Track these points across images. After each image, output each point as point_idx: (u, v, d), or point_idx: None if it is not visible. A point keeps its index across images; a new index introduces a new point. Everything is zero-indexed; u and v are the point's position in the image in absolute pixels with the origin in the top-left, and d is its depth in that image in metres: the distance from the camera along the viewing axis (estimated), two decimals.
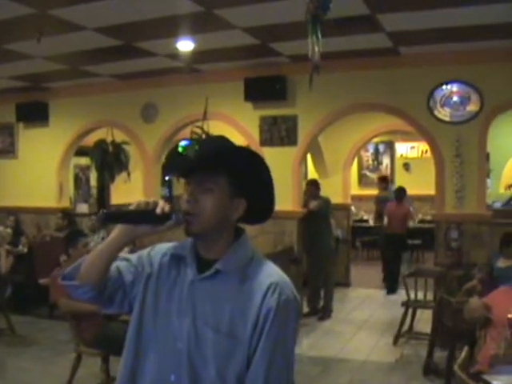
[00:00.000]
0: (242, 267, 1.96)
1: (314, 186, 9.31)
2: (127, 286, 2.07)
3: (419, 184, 16.70)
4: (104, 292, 2.03)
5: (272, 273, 1.98)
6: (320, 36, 5.09)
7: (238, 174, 1.98)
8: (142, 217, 1.91)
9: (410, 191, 16.87)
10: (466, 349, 4.24)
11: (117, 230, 1.97)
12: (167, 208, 1.88)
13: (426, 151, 16.92)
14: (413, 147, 17.57)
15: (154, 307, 2.03)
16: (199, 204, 1.94)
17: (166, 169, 2.13)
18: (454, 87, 8.58)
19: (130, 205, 1.95)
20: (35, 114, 11.40)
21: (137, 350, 2.04)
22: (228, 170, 1.96)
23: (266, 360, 1.87)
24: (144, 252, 2.16)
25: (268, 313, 1.88)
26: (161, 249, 2.15)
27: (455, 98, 8.54)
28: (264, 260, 2.05)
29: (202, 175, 1.95)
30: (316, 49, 5.12)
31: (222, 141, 2.16)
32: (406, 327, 7.75)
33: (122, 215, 1.94)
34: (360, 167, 17.93)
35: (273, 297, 1.89)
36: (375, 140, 15.27)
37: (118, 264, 2.07)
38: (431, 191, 14.72)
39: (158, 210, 1.88)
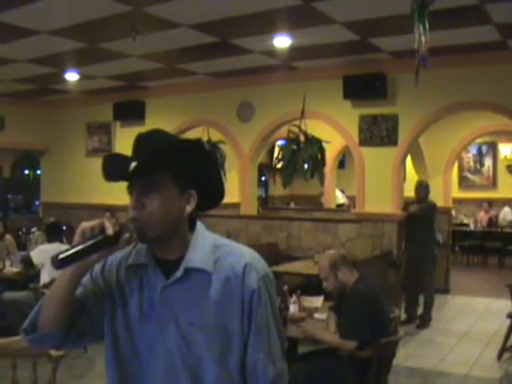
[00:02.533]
0: (210, 258, 1.88)
1: (422, 187, 8.95)
2: (92, 315, 1.92)
3: None
4: (71, 331, 1.86)
5: (241, 253, 1.92)
6: (427, 25, 4.76)
7: (183, 167, 1.86)
8: (97, 245, 1.74)
9: None
10: None
11: (62, 276, 1.80)
12: (116, 225, 1.76)
13: None
14: None
15: (127, 331, 1.91)
16: (147, 208, 1.81)
17: (104, 174, 1.90)
18: None
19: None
20: (132, 112, 11.52)
21: (122, 380, 1.92)
22: (170, 165, 1.84)
23: (261, 342, 1.87)
24: (96, 271, 1.98)
25: (252, 295, 1.85)
26: (113, 262, 1.98)
27: None
28: (227, 242, 1.97)
29: (144, 177, 1.83)
30: (423, 39, 4.79)
31: (157, 135, 1.95)
32: (511, 341, 7.28)
33: (75, 253, 1.72)
34: (461, 169, 17.35)
35: (251, 277, 1.86)
36: (477, 141, 14.71)
37: (76, 293, 1.88)
38: None
39: (110, 232, 1.73)
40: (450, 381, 6.51)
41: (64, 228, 10.73)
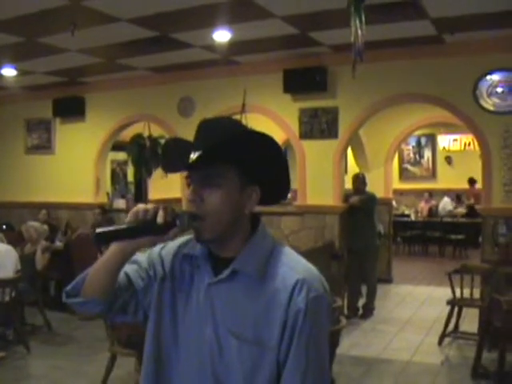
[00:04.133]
0: (262, 264, 1.73)
1: (360, 179, 9.05)
2: (140, 294, 1.86)
3: (462, 178, 16.49)
4: (114, 303, 1.80)
5: (296, 266, 1.74)
6: (363, 19, 4.83)
7: (247, 161, 1.72)
8: (142, 230, 1.66)
9: (452, 185, 16.73)
10: None
11: (112, 248, 1.72)
12: (169, 216, 1.65)
13: (469, 144, 16.67)
14: (455, 140, 17.31)
15: (171, 316, 1.82)
16: (206, 203, 1.70)
17: (164, 165, 1.84)
18: (501, 76, 8.22)
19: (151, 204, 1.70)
20: (72, 109, 11.35)
21: (157, 364, 1.83)
22: (234, 159, 1.71)
23: (300, 366, 1.66)
24: (154, 252, 1.91)
25: (297, 315, 1.66)
26: (172, 247, 1.90)
27: (500, 88, 8.19)
28: (285, 249, 1.80)
29: (206, 169, 1.70)
30: (359, 33, 4.85)
31: (223, 124, 1.81)
32: (451, 326, 7.45)
33: (117, 233, 1.68)
34: (401, 161, 17.69)
35: (300, 296, 1.67)
36: (417, 133, 14.98)
37: (127, 269, 1.84)
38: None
39: (159, 220, 1.65)
40: (393, 367, 6.63)
41: (4, 227, 10.57)
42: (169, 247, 1.90)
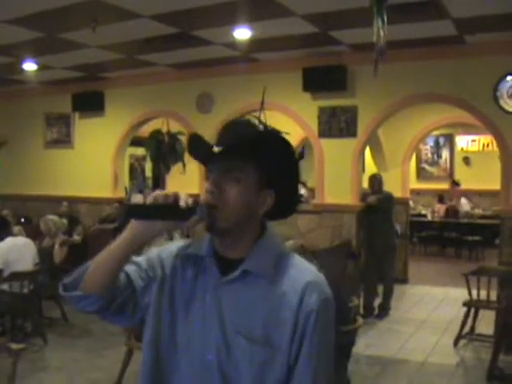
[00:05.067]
0: (272, 266, 1.74)
1: (377, 180, 9.03)
2: (139, 295, 1.83)
3: (480, 178, 16.42)
4: (113, 302, 1.76)
5: (306, 270, 1.77)
6: (386, 19, 4.82)
7: (268, 162, 1.75)
8: (166, 212, 1.66)
9: (470, 186, 16.65)
10: None
11: (132, 228, 1.70)
12: (191, 201, 1.66)
13: (488, 145, 16.57)
14: (474, 140, 17.20)
15: (171, 318, 1.81)
16: (224, 195, 1.72)
17: (190, 152, 1.85)
18: None
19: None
20: (91, 103, 11.42)
21: (157, 370, 1.81)
22: (257, 157, 1.74)
23: (311, 367, 1.68)
24: (153, 253, 1.91)
25: (308, 316, 1.68)
26: (172, 249, 1.91)
27: None
28: (292, 255, 1.82)
29: (227, 163, 1.73)
30: (381, 33, 4.85)
31: (248, 125, 1.86)
32: (467, 328, 7.43)
33: (146, 210, 1.67)
34: (418, 161, 17.60)
35: (312, 298, 1.68)
36: (435, 133, 14.92)
37: (127, 269, 1.81)
38: (492, 186, 14.50)
39: (183, 203, 1.65)
40: (408, 368, 6.63)
41: (22, 220, 10.66)
42: (168, 249, 1.91)
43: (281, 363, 1.68)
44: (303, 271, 1.76)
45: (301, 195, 2.10)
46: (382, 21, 4.85)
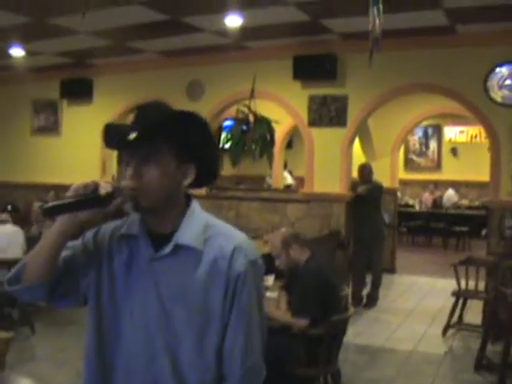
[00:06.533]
0: (200, 236, 1.84)
1: (366, 169, 9.03)
2: (78, 278, 1.92)
3: (467, 169, 16.52)
4: (56, 289, 1.86)
5: (232, 235, 1.89)
6: (381, 8, 4.81)
7: (182, 139, 1.84)
8: (85, 202, 1.74)
9: (457, 176, 16.74)
10: None
11: (58, 223, 1.78)
12: (110, 187, 1.74)
13: (476, 136, 16.62)
14: (462, 131, 17.24)
15: (111, 296, 1.89)
16: (144, 178, 1.79)
17: (105, 142, 1.89)
18: (510, 69, 8.20)
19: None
20: (79, 90, 11.34)
21: (101, 351, 1.91)
22: (170, 136, 1.82)
23: (241, 326, 1.82)
24: (87, 237, 1.99)
25: (237, 278, 1.81)
26: (106, 230, 1.98)
27: (509, 81, 8.18)
28: (219, 223, 1.94)
29: (143, 147, 1.79)
30: (377, 22, 4.83)
31: (158, 106, 1.91)
32: (455, 317, 7.46)
33: (63, 206, 1.74)
34: (406, 151, 17.62)
35: (239, 261, 1.82)
36: (424, 123, 14.96)
37: (64, 255, 1.88)
38: (479, 177, 14.60)
39: (102, 191, 1.73)
40: (396, 357, 6.65)
41: (9, 208, 10.56)
42: (102, 231, 1.98)
43: (216, 327, 1.81)
44: (230, 238, 1.87)
45: (218, 163, 2.13)
46: (378, 10, 4.83)
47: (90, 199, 1.73)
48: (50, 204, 1.72)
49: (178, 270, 1.83)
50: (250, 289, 1.83)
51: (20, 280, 1.83)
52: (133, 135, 1.78)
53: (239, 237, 1.89)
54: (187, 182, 1.88)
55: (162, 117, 1.84)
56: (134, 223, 1.92)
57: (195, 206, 1.93)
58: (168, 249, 1.83)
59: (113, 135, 1.89)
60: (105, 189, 1.73)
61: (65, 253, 1.88)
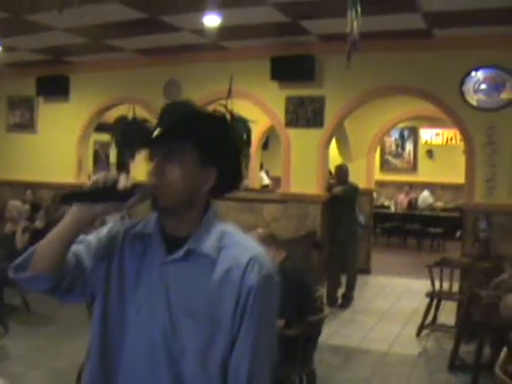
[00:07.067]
0: (215, 244, 1.78)
1: (342, 170, 9.06)
2: (87, 274, 1.85)
3: (443, 172, 16.63)
4: (62, 282, 1.79)
5: (248, 246, 1.81)
6: (359, 10, 4.83)
7: (206, 141, 1.80)
8: (102, 195, 1.70)
9: (433, 179, 16.86)
10: (505, 349, 3.99)
11: (72, 211, 1.74)
12: (129, 183, 1.70)
13: (451, 138, 16.76)
14: (438, 134, 17.37)
15: (119, 295, 1.84)
16: (166, 176, 1.76)
17: (127, 141, 1.87)
18: (487, 73, 8.29)
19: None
20: (56, 88, 11.25)
21: (105, 349, 1.84)
22: (195, 137, 1.78)
23: (249, 342, 1.73)
24: (102, 232, 1.94)
25: (249, 292, 1.72)
26: (120, 228, 1.94)
27: (484, 86, 8.27)
28: (237, 232, 1.87)
29: (167, 145, 1.78)
30: (355, 24, 4.86)
31: (186, 106, 1.95)
32: (429, 318, 7.52)
33: (80, 195, 1.72)
34: (382, 152, 17.70)
35: (252, 273, 1.73)
36: (400, 125, 15.05)
37: (76, 248, 1.84)
38: (454, 179, 14.71)
39: (120, 186, 1.69)
40: (371, 358, 6.68)
41: None
42: (117, 228, 1.94)
43: (223, 339, 1.73)
44: (247, 248, 1.79)
45: (243, 172, 2.11)
46: (356, 12, 4.86)
47: (106, 191, 1.69)
48: (65, 192, 1.70)
49: (190, 275, 1.78)
50: (261, 305, 1.75)
51: (27, 268, 1.76)
52: (156, 133, 1.77)
53: (256, 249, 1.82)
54: (208, 186, 1.83)
55: (187, 115, 1.83)
56: (149, 222, 1.88)
57: (213, 212, 1.88)
58: (180, 253, 1.78)
59: (135, 134, 1.87)
60: (124, 184, 1.69)
61: (76, 246, 1.83)
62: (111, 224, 1.96)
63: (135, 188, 1.70)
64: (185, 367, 1.74)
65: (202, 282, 1.76)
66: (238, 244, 1.80)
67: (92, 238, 1.92)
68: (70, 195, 1.71)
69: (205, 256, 1.77)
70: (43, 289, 1.78)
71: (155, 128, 1.80)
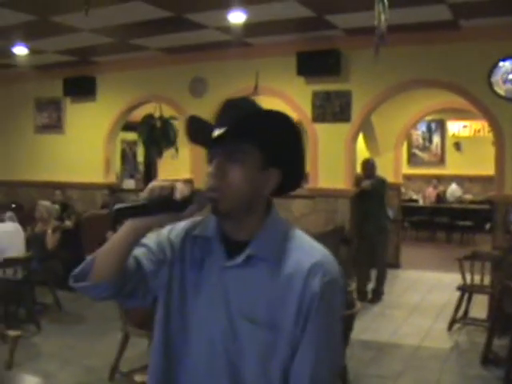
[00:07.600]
0: (277, 248, 1.72)
1: (370, 164, 9.02)
2: (149, 278, 1.80)
3: (470, 164, 16.50)
4: (124, 288, 1.74)
5: (312, 250, 1.74)
6: (386, 3, 4.80)
7: (270, 141, 1.71)
8: (159, 206, 1.62)
9: (461, 171, 16.70)
10: None
11: (128, 225, 1.68)
12: (187, 191, 1.63)
13: (479, 130, 16.58)
14: (465, 126, 17.17)
15: (180, 300, 1.80)
16: (227, 178, 1.68)
17: (189, 136, 1.81)
18: None
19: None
20: (82, 88, 11.32)
21: (166, 350, 1.82)
22: (256, 136, 1.69)
23: (312, 349, 1.66)
24: (163, 235, 1.88)
25: (312, 298, 1.65)
26: (180, 230, 1.87)
27: None
28: (299, 234, 1.79)
29: (229, 145, 1.69)
30: (382, 17, 4.82)
31: (249, 104, 1.79)
32: (460, 312, 7.46)
33: (135, 209, 1.63)
34: (410, 146, 17.58)
35: (315, 279, 1.66)
36: (427, 118, 14.93)
37: (136, 253, 1.78)
38: (483, 171, 14.58)
39: (178, 196, 1.62)
40: (403, 352, 6.65)
41: (13, 206, 10.59)
42: (177, 230, 1.88)
43: (285, 346, 1.67)
44: (310, 253, 1.72)
45: (305, 170, 2.07)
46: (383, 5, 4.82)
47: (163, 202, 1.62)
48: (122, 206, 1.62)
49: (250, 281, 1.71)
50: (324, 311, 1.68)
51: (86, 277, 1.72)
52: (218, 132, 1.69)
53: (320, 253, 1.75)
54: (270, 188, 1.77)
55: (251, 113, 1.73)
56: (209, 224, 1.82)
57: (275, 213, 1.81)
58: (241, 258, 1.72)
59: (198, 130, 1.79)
60: (181, 192, 1.62)
61: (137, 250, 1.79)
62: (170, 226, 1.89)
63: (193, 196, 1.64)
64: (245, 373, 1.70)
65: (262, 288, 1.70)
66: (300, 248, 1.74)
67: (152, 241, 1.86)
68: (126, 210, 1.64)
69: (266, 261, 1.71)
70: (105, 295, 1.74)
71: (214, 127, 1.72)
